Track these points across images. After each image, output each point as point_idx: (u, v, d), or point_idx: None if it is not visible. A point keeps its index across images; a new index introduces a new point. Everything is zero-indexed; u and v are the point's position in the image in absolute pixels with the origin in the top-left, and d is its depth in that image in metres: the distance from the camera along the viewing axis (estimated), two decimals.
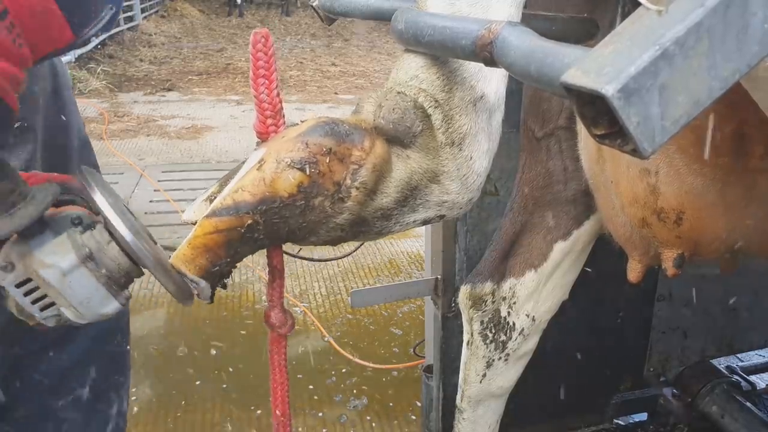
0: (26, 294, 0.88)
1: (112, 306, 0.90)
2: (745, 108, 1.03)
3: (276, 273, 0.98)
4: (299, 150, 0.82)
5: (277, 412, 1.04)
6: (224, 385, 2.79)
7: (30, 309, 0.89)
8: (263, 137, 0.90)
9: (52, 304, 0.89)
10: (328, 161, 0.83)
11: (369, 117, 0.90)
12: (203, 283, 0.85)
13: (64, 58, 8.03)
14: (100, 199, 0.86)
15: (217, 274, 0.86)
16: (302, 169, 0.82)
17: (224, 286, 0.92)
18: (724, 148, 1.14)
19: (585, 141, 1.41)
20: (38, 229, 0.88)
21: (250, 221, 0.82)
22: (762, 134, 1.11)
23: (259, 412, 2.63)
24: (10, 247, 0.87)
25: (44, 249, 0.87)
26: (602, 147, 1.33)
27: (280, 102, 0.90)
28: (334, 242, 0.91)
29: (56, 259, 0.87)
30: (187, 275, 0.83)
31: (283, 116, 0.91)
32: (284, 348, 1.03)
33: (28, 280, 0.87)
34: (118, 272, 0.88)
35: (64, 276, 0.86)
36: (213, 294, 0.89)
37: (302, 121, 0.89)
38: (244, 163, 0.90)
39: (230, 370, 2.89)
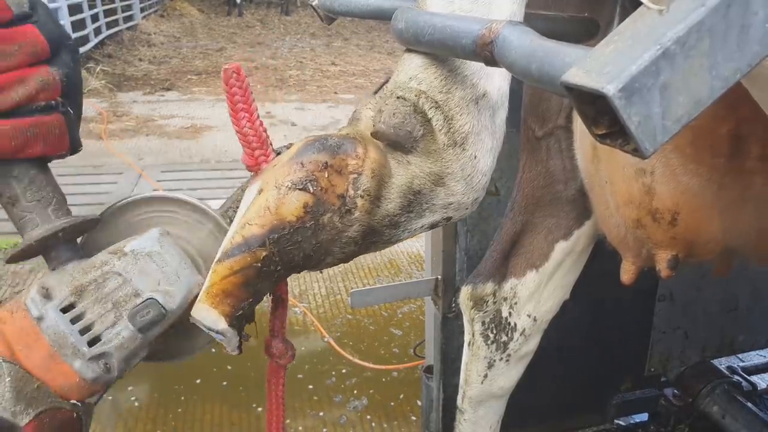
0: (74, 320, 0.81)
1: (199, 278, 0.87)
2: (743, 108, 1.03)
3: (279, 302, 0.97)
4: (296, 171, 0.81)
5: None
6: (224, 383, 2.80)
7: (75, 340, 0.80)
8: (254, 169, 0.89)
9: (111, 320, 0.82)
10: (327, 176, 0.82)
11: (368, 124, 0.90)
12: (230, 332, 0.81)
13: None
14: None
15: (242, 319, 0.83)
16: (304, 189, 0.81)
17: (247, 338, 0.88)
18: (721, 148, 1.14)
19: (580, 140, 1.41)
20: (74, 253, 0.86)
21: (264, 254, 0.79)
22: (759, 134, 1.11)
23: (259, 410, 2.64)
24: (45, 276, 0.84)
25: (110, 247, 0.85)
26: (597, 146, 1.33)
27: (265, 131, 0.88)
28: (347, 258, 0.90)
29: (141, 239, 0.85)
30: (212, 328, 0.80)
31: (270, 145, 0.89)
32: (283, 379, 1.01)
33: (72, 305, 0.82)
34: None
35: (159, 241, 0.84)
36: (240, 344, 0.84)
37: (288, 147, 0.88)
38: (242, 193, 0.89)
39: (228, 368, 2.89)
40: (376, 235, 0.89)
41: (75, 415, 0.81)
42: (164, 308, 0.84)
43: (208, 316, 0.79)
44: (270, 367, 1.00)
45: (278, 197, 0.80)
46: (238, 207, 0.88)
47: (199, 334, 0.91)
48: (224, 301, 0.79)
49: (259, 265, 0.80)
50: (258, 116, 0.88)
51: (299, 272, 0.88)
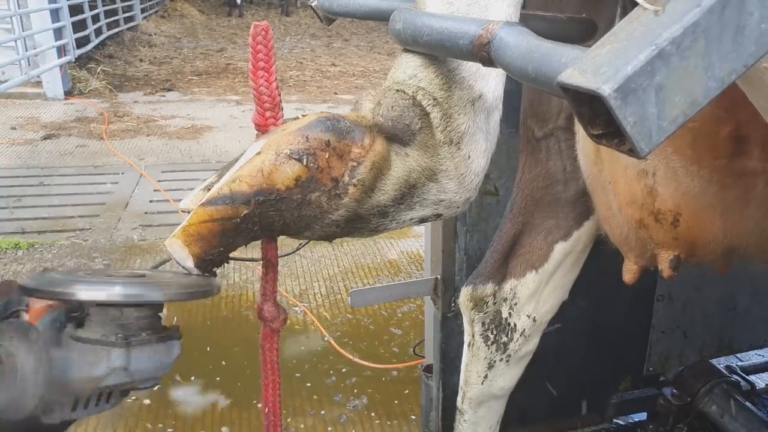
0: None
1: (175, 349, 0.88)
2: (743, 110, 1.03)
3: (270, 266, 0.97)
4: (299, 143, 0.82)
5: (267, 410, 1.02)
6: (217, 378, 2.80)
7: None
8: (262, 129, 0.90)
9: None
10: (327, 157, 0.83)
11: (368, 115, 0.90)
12: (195, 272, 0.84)
13: (65, 58, 8.04)
14: (80, 291, 0.82)
15: (209, 264, 0.85)
16: (300, 160, 0.81)
17: (213, 275, 0.90)
18: (722, 149, 1.14)
19: (583, 142, 1.41)
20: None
21: (245, 211, 0.81)
22: (759, 136, 1.11)
23: (260, 405, 2.64)
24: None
25: (82, 362, 0.82)
26: (600, 148, 1.34)
27: (279, 95, 0.90)
28: (328, 237, 0.91)
29: (109, 362, 0.82)
30: (180, 263, 0.83)
31: (282, 109, 0.90)
32: (276, 344, 1.01)
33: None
34: (146, 324, 0.85)
35: (127, 365, 0.83)
36: None
37: (303, 115, 0.89)
38: (243, 154, 0.90)
39: (223, 363, 2.89)
40: (361, 222, 0.89)
41: None
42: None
43: (180, 252, 0.82)
44: (263, 332, 1.00)
45: (274, 163, 0.81)
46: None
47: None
48: (196, 243, 0.81)
49: (239, 220, 0.81)
50: (276, 79, 0.89)
51: (276, 237, 0.90)
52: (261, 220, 0.82)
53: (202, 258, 0.83)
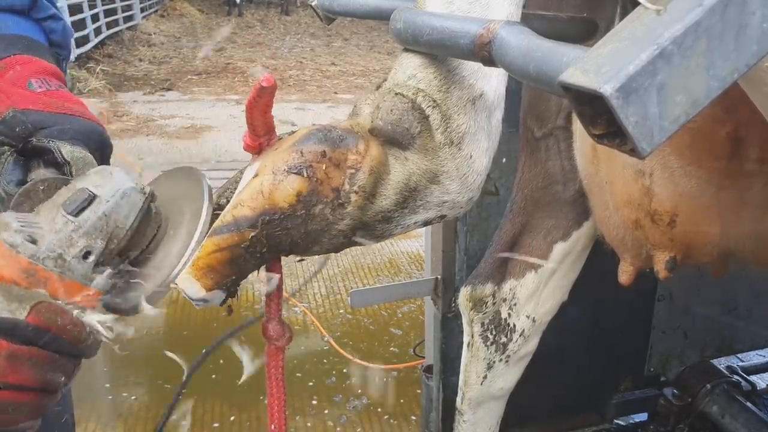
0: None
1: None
2: (741, 110, 1.03)
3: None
4: (295, 158, 0.82)
5: (273, 426, 1.02)
6: (213, 376, 2.80)
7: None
8: (256, 151, 0.90)
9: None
10: (324, 168, 0.82)
11: (367, 119, 0.90)
12: (216, 298, 0.84)
13: None
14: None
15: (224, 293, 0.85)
16: (300, 173, 0.81)
17: (230, 311, 0.91)
18: (720, 150, 1.14)
19: (580, 141, 1.41)
20: None
21: (252, 235, 0.81)
22: (757, 137, 1.10)
23: (261, 404, 2.64)
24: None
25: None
26: (597, 147, 1.33)
27: (272, 119, 0.90)
28: (336, 249, 0.91)
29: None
30: (193, 297, 0.82)
31: (275, 131, 0.90)
32: (282, 362, 1.02)
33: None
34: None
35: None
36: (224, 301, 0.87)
37: (292, 132, 0.89)
38: (241, 175, 0.90)
39: (220, 362, 2.89)
40: (367, 229, 0.89)
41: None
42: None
43: (191, 287, 0.81)
44: (268, 350, 1.00)
45: (273, 183, 0.81)
46: (235, 189, 0.89)
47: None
48: (207, 275, 0.81)
49: (247, 245, 0.81)
50: (271, 113, 0.88)
51: (286, 256, 0.89)
52: (269, 241, 0.82)
53: (216, 290, 0.82)
